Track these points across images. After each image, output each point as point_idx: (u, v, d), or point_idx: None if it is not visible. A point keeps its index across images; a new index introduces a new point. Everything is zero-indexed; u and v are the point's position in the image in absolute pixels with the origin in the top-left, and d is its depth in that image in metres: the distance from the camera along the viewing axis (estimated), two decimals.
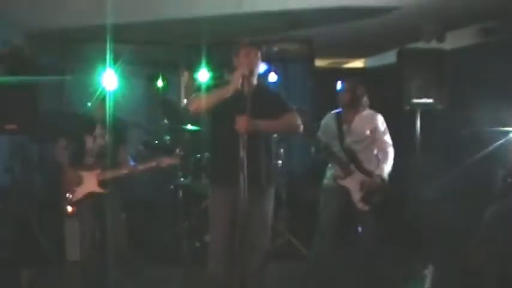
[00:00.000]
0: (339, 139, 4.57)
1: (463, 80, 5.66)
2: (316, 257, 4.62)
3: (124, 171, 4.38)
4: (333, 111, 4.73)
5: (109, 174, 4.36)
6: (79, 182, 4.38)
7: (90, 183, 4.38)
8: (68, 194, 4.38)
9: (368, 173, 4.49)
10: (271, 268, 4.02)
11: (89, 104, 4.42)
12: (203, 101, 3.64)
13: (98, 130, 4.45)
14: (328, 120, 4.72)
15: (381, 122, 4.59)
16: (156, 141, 6.07)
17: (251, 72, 3.61)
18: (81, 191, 4.38)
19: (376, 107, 4.69)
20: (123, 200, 4.60)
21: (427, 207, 5.57)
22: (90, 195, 4.38)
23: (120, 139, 4.49)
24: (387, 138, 4.56)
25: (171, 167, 4.55)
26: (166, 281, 5.01)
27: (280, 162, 6.03)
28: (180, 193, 5.97)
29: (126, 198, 4.69)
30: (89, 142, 4.45)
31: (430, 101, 5.55)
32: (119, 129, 4.48)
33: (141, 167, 4.40)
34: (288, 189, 6.12)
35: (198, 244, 5.62)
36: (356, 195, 4.48)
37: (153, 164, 4.40)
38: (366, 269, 4.59)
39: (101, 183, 4.37)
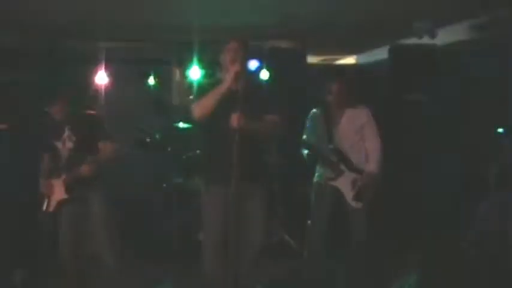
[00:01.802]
0: (328, 140, 4.53)
1: (454, 76, 5.67)
2: (310, 255, 4.61)
3: (83, 171, 4.04)
4: (317, 109, 4.68)
5: (72, 178, 4.10)
6: (51, 191, 4.19)
7: (59, 190, 4.17)
8: (44, 205, 4.22)
9: (358, 171, 4.48)
10: (265, 266, 4.02)
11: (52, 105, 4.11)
12: (205, 105, 3.61)
13: (66, 132, 4.14)
14: (315, 119, 4.66)
15: (368, 117, 4.54)
16: (148, 139, 6.05)
17: (238, 68, 3.57)
18: (54, 200, 4.19)
19: (368, 103, 4.67)
20: (104, 200, 4.29)
21: (421, 202, 5.59)
22: (62, 203, 4.17)
23: (98, 137, 4.17)
24: (375, 133, 4.52)
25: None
26: (160, 279, 4.99)
27: (273, 159, 6.03)
28: (173, 191, 5.96)
29: (114, 197, 4.55)
30: (60, 147, 4.18)
31: (421, 96, 5.56)
32: (94, 127, 4.18)
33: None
34: (281, 187, 6.12)
35: (191, 242, 5.60)
36: (348, 195, 4.47)
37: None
38: (359, 265, 4.60)
39: (68, 189, 4.14)
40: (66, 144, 4.16)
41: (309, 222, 4.65)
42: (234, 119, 3.46)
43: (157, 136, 6.07)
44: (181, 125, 6.15)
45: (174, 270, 5.15)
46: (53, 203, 4.20)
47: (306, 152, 4.60)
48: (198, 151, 5.94)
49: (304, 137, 4.64)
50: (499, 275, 3.87)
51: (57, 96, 4.12)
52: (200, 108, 3.64)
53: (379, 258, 4.92)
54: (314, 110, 4.69)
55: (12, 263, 4.87)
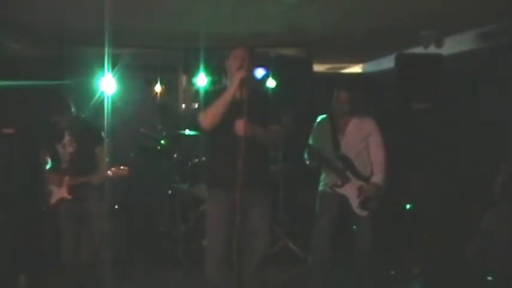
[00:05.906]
0: (334, 146, 4.53)
1: (460, 85, 5.67)
2: (314, 262, 4.60)
3: (92, 177, 4.38)
4: (324, 115, 4.69)
5: (76, 181, 4.40)
6: (55, 187, 4.48)
7: (62, 189, 4.45)
8: (47, 199, 4.52)
9: (364, 179, 4.48)
10: (269, 272, 4.02)
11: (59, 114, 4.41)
12: (213, 114, 3.59)
13: (67, 137, 4.46)
14: (321, 125, 4.67)
15: (374, 127, 4.55)
16: (154, 146, 6.07)
17: (243, 74, 3.56)
18: (55, 196, 4.48)
19: (374, 112, 4.67)
20: (102, 207, 4.52)
21: (426, 210, 5.58)
22: (62, 201, 4.46)
23: (94, 144, 4.47)
24: (381, 144, 4.53)
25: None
26: (165, 285, 5.00)
27: (277, 166, 6.03)
28: (178, 197, 5.97)
29: (119, 203, 4.69)
30: (60, 150, 4.49)
31: (428, 105, 5.56)
32: (91, 134, 4.49)
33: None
34: (286, 193, 6.12)
35: (196, 248, 5.61)
36: (354, 202, 4.47)
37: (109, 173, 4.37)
38: (363, 273, 4.59)
39: (70, 190, 4.42)
40: (66, 148, 4.47)
41: (314, 230, 4.64)
42: (240, 126, 3.46)
43: (163, 143, 6.09)
44: (187, 131, 6.16)
45: (178, 276, 5.16)
46: (54, 199, 4.50)
47: (308, 156, 4.60)
48: (203, 158, 5.95)
49: (311, 142, 4.64)
50: (503, 285, 3.86)
51: (64, 106, 4.43)
52: (209, 117, 3.63)
53: (383, 266, 4.91)
54: (321, 116, 4.70)
55: (16, 269, 4.88)
